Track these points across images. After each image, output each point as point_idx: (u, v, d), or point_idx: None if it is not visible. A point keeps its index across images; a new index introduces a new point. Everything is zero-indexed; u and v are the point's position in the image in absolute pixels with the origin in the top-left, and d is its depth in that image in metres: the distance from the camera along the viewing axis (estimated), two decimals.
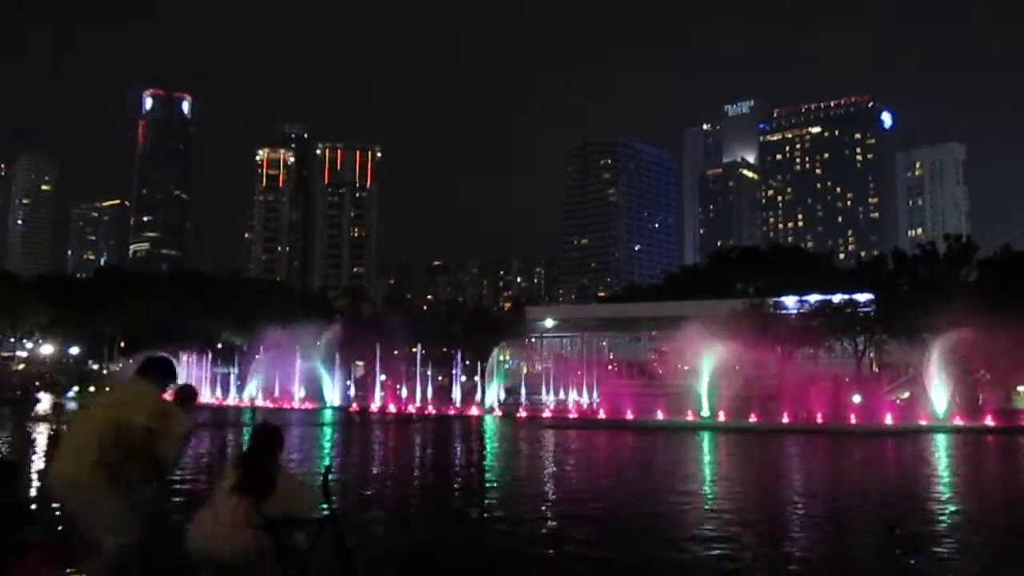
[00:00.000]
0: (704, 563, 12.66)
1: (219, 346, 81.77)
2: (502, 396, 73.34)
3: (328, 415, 51.91)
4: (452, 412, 55.01)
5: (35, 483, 20.27)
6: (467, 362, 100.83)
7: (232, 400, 68.91)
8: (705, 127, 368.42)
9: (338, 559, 6.43)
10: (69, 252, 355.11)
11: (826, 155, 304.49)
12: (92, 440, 6.09)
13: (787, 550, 13.91)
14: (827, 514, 18.38)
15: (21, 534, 5.81)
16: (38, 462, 26.52)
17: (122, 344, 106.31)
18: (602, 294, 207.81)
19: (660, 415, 47.78)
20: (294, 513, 6.16)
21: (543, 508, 18.53)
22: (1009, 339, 47.42)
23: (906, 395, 63.79)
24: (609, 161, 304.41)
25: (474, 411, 55.34)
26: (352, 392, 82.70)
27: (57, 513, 6.77)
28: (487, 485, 23.42)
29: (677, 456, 33.56)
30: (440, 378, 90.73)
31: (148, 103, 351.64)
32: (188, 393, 7.39)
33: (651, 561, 12.75)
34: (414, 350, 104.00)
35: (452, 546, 13.93)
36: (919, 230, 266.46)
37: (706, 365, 54.79)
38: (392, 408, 56.83)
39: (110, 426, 6.17)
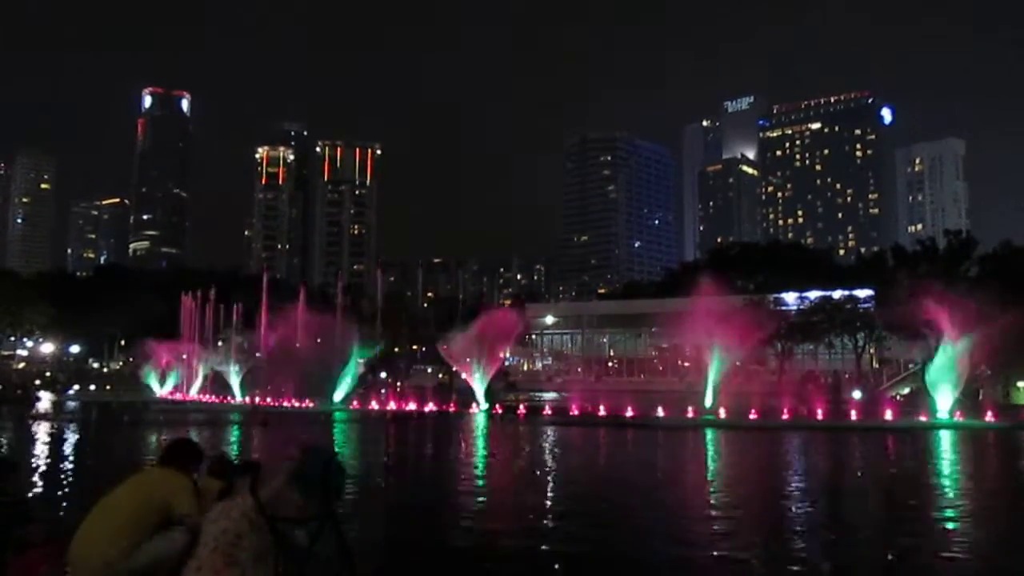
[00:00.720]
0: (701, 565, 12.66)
1: (219, 344, 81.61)
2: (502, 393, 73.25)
3: (327, 413, 51.85)
4: (452, 409, 55.03)
5: (37, 482, 20.33)
6: (468, 359, 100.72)
7: (235, 399, 68.83)
8: (705, 123, 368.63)
9: (338, 555, 6.43)
10: (69, 250, 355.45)
11: (826, 151, 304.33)
12: (124, 526, 5.70)
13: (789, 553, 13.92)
14: (831, 515, 18.40)
15: (21, 532, 5.80)
16: (39, 460, 26.57)
17: (122, 342, 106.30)
18: (602, 291, 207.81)
19: (660, 412, 47.76)
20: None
21: (532, 506, 18.54)
22: (1009, 335, 47.37)
23: (906, 391, 63.84)
24: (609, 158, 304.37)
25: (474, 408, 55.32)
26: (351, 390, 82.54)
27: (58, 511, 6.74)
28: (480, 484, 23.42)
29: (676, 454, 33.58)
30: (440, 375, 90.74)
31: (147, 101, 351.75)
32: (222, 467, 6.93)
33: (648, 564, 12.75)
34: (415, 347, 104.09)
35: (449, 543, 13.93)
36: (919, 226, 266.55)
37: (706, 361, 54.78)
38: (392, 406, 56.82)
39: (143, 511, 5.78)
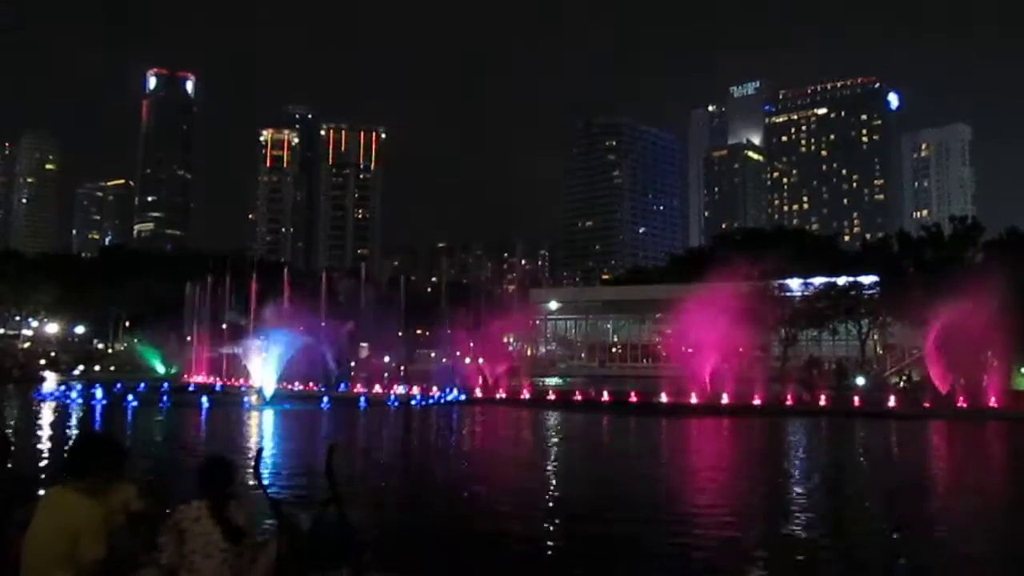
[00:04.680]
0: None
1: (223, 327, 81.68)
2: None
3: (329, 398, 51.86)
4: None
5: (41, 460, 20.43)
6: (471, 344, 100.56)
7: (240, 382, 68.89)
8: (711, 108, 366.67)
9: (342, 537, 6.42)
10: (73, 231, 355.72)
11: (832, 137, 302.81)
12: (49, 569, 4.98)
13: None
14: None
15: (21, 512, 5.78)
16: (43, 439, 26.71)
17: (127, 324, 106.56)
18: (606, 276, 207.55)
19: (664, 397, 47.74)
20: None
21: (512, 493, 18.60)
22: (1014, 321, 47.21)
23: (907, 377, 63.71)
24: (614, 143, 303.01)
25: (478, 393, 55.32)
26: (354, 374, 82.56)
27: None
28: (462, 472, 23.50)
29: (672, 441, 33.63)
30: (444, 360, 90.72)
31: (152, 82, 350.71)
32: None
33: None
34: (418, 332, 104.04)
35: (446, 527, 13.99)
36: (924, 212, 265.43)
37: (710, 347, 54.75)
38: (400, 389, 56.77)
39: (63, 546, 5.02)
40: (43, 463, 20.45)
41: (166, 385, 50.39)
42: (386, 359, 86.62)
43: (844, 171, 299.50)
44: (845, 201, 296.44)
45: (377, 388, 56.68)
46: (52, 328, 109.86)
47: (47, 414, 37.05)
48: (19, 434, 28.21)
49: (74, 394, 44.60)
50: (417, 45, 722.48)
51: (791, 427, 37.19)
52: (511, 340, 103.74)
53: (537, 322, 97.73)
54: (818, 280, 71.90)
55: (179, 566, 5.46)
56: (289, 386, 55.56)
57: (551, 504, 16.94)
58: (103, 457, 5.35)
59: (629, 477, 21.80)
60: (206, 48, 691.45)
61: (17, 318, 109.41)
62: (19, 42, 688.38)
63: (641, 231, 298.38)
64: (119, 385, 48.30)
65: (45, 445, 25.32)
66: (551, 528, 14.39)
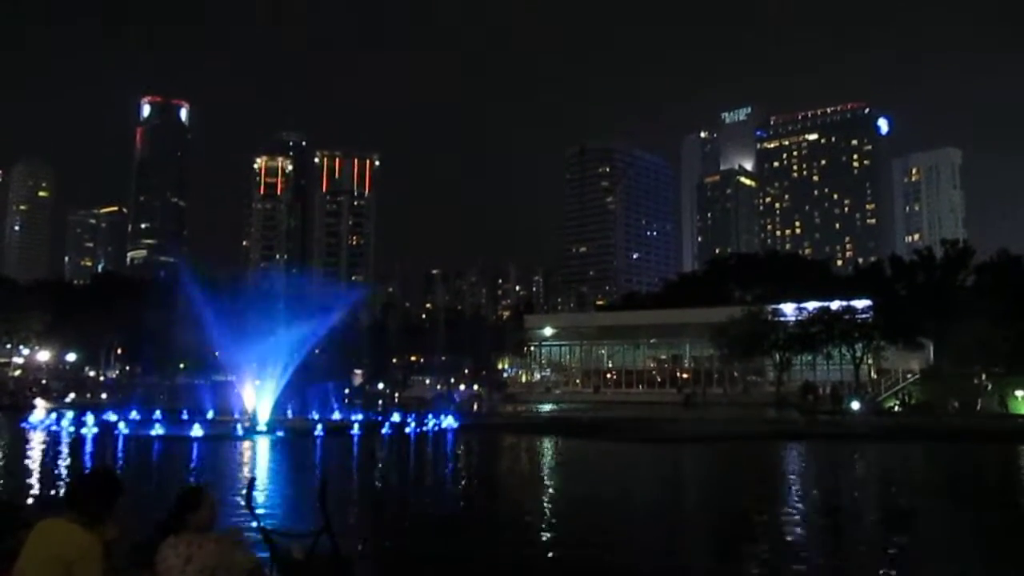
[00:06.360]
0: None
1: (215, 354, 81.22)
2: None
3: (323, 426, 51.58)
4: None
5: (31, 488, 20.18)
6: (466, 371, 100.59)
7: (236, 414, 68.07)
8: (703, 135, 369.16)
9: (335, 568, 6.34)
10: (66, 258, 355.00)
11: (823, 162, 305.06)
12: None
13: None
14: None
15: (9, 542, 5.69)
16: (33, 466, 26.41)
17: (119, 351, 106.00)
18: (601, 302, 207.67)
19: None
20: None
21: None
22: (1007, 344, 47.44)
23: (898, 401, 63.72)
24: (607, 169, 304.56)
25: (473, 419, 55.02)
26: (348, 401, 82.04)
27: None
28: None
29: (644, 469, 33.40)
30: (439, 387, 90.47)
31: (146, 110, 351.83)
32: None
33: None
34: (412, 359, 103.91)
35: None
36: (916, 236, 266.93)
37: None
38: (396, 417, 56.37)
39: None
40: (30, 493, 20.20)
41: (158, 413, 49.81)
42: (380, 385, 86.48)
43: (836, 196, 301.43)
44: (837, 226, 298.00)
45: (372, 415, 56.28)
46: (43, 355, 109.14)
47: (35, 443, 36.66)
48: (6, 463, 27.96)
49: (65, 422, 44.11)
50: (415, 72, 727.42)
51: (775, 453, 37.05)
52: (505, 366, 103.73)
53: (531, 348, 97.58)
54: (811, 304, 72.05)
55: None
56: (283, 415, 55.12)
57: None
58: (101, 490, 5.28)
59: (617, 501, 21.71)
60: (201, 76, 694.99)
61: (8, 345, 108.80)
62: (14, 69, 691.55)
63: (635, 256, 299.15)
64: (110, 413, 47.84)
65: (33, 474, 25.03)
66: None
